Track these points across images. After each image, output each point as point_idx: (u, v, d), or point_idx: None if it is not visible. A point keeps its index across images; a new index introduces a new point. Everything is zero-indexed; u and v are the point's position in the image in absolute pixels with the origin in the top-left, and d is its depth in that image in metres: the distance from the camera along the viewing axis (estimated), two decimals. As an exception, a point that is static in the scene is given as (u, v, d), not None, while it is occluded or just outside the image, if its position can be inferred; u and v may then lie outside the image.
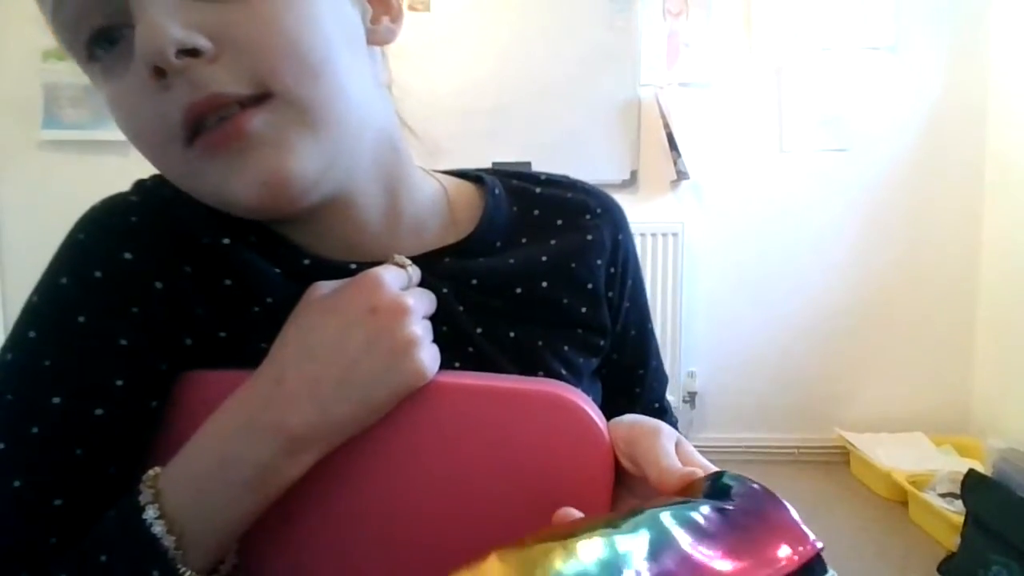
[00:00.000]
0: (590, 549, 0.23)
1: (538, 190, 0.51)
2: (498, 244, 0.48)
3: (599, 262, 0.50)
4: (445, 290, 0.43)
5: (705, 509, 0.26)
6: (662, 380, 0.60)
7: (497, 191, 0.50)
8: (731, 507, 0.26)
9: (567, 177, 0.54)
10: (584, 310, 0.48)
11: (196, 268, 0.40)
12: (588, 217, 0.51)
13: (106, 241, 0.39)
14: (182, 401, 0.38)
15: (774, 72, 2.39)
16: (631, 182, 2.44)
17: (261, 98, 0.34)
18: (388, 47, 0.45)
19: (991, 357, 2.35)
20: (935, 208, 2.39)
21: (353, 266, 0.42)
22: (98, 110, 2.35)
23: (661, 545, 0.23)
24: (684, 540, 0.24)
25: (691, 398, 2.47)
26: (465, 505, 0.35)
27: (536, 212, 0.50)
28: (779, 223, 2.44)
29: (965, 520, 1.60)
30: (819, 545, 0.25)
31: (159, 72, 0.33)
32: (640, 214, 2.44)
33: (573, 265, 0.48)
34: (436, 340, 0.40)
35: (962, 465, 1.88)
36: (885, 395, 2.45)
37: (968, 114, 2.35)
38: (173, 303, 0.39)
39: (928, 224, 2.40)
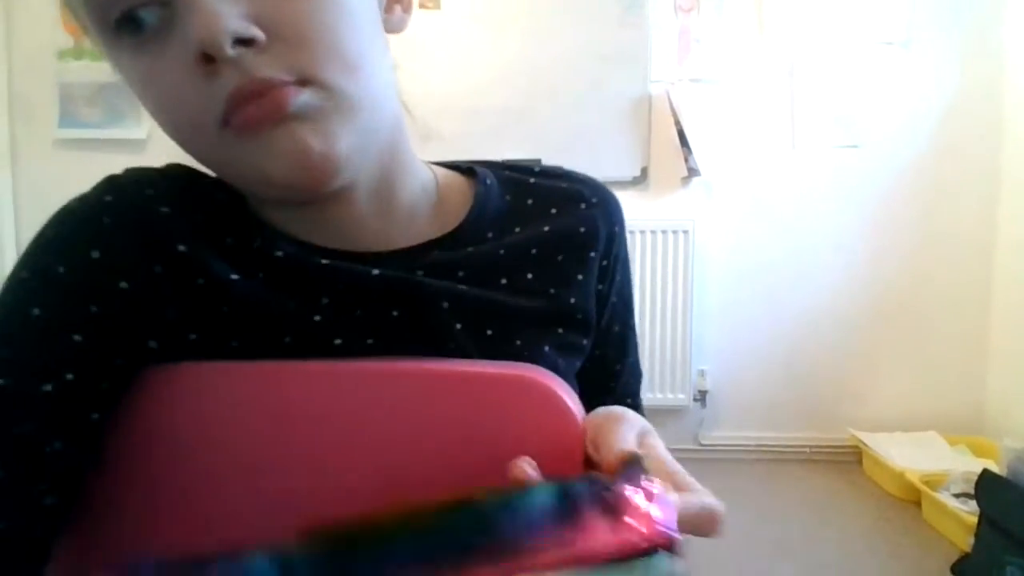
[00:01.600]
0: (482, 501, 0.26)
1: (532, 180, 0.51)
2: (490, 234, 0.47)
3: (592, 254, 0.49)
4: (428, 290, 0.43)
5: (582, 485, 0.27)
6: (637, 376, 0.59)
7: (489, 181, 0.50)
8: (608, 485, 0.27)
9: (562, 168, 0.54)
10: (573, 301, 0.48)
11: (167, 269, 0.40)
12: (583, 207, 0.50)
13: (74, 238, 0.39)
14: (153, 395, 0.38)
15: (786, 68, 2.37)
16: (641, 179, 2.43)
17: (302, 83, 0.35)
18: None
19: (1006, 356, 2.32)
20: (949, 205, 2.37)
21: (325, 261, 0.42)
22: (113, 109, 2.38)
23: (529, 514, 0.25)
24: (516, 521, 0.25)
25: (702, 397, 2.46)
26: (434, 491, 0.35)
27: (530, 201, 0.50)
28: (791, 221, 2.42)
29: (979, 520, 1.58)
30: (667, 537, 0.25)
31: (209, 59, 0.33)
32: (650, 211, 2.44)
33: (561, 256, 0.48)
34: (418, 336, 0.39)
35: (976, 465, 1.87)
36: (898, 394, 2.43)
37: (983, 110, 2.32)
38: (139, 304, 0.39)
39: (942, 222, 2.37)
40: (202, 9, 0.32)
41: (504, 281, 0.46)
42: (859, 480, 2.26)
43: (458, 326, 0.44)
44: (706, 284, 2.45)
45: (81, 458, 0.36)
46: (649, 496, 0.27)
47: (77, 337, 0.36)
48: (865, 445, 2.27)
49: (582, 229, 0.49)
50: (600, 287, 0.50)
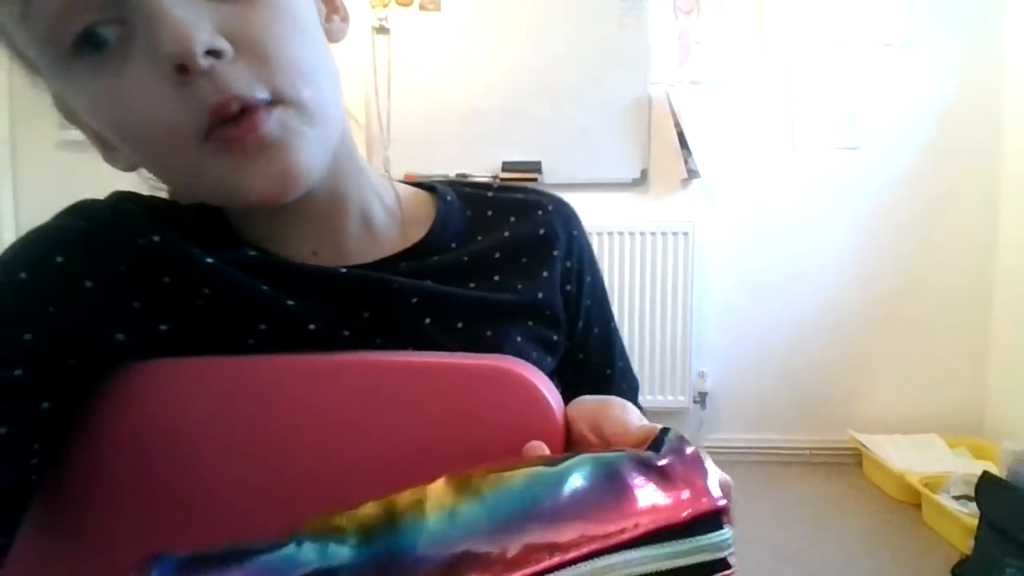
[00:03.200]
0: (522, 474, 0.27)
1: (490, 194, 0.54)
2: (453, 245, 0.49)
3: (555, 253, 0.51)
4: (396, 285, 0.44)
5: (628, 458, 0.28)
6: (632, 383, 0.60)
7: (449, 197, 0.52)
8: (653, 459, 0.28)
9: (520, 184, 0.57)
10: (541, 296, 0.49)
11: (131, 268, 0.41)
12: (540, 213, 0.52)
13: (38, 245, 0.40)
14: (126, 391, 0.38)
15: (786, 70, 2.38)
16: (641, 181, 2.44)
17: (274, 102, 0.37)
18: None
19: (1006, 358, 2.32)
20: (949, 207, 2.37)
21: (296, 262, 0.43)
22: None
23: (573, 490, 0.26)
24: (595, 483, 0.27)
25: (702, 399, 2.46)
26: (416, 481, 0.35)
27: (489, 212, 0.52)
28: (791, 222, 2.42)
29: (979, 523, 1.59)
30: (720, 504, 0.26)
31: (183, 70, 0.34)
32: (650, 213, 2.44)
33: (525, 258, 0.50)
34: (388, 334, 0.40)
35: (976, 467, 1.87)
36: (898, 396, 2.43)
37: (983, 111, 2.32)
38: (105, 299, 0.40)
39: (942, 223, 2.38)
40: (170, 23, 0.33)
41: (472, 284, 0.48)
42: (859, 482, 2.26)
43: (427, 320, 0.45)
44: (706, 286, 2.45)
45: (31, 444, 0.36)
46: (696, 464, 0.27)
47: (27, 336, 0.37)
48: (865, 447, 2.27)
49: (542, 231, 0.51)
50: (568, 288, 0.52)
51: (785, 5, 2.34)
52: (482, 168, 2.43)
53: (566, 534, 0.25)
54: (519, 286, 0.49)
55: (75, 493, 0.37)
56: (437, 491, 0.27)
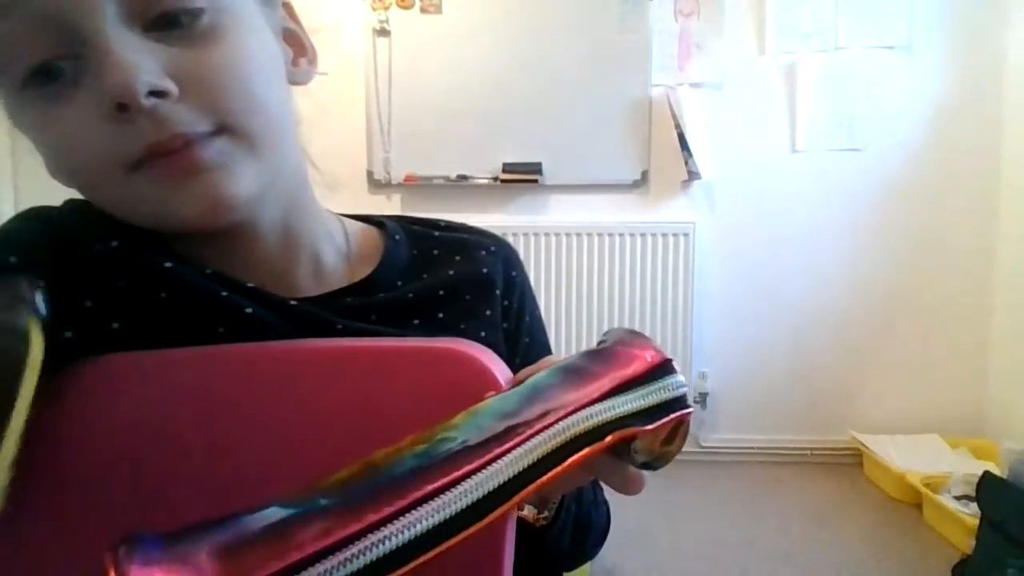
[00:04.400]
0: (489, 401, 0.30)
1: (437, 233, 0.55)
2: (399, 283, 0.50)
3: (497, 292, 0.52)
4: (340, 327, 0.44)
5: (578, 355, 0.32)
6: None
7: (398, 236, 0.53)
8: (599, 346, 0.32)
9: (464, 223, 0.58)
10: (484, 334, 0.50)
11: (87, 270, 0.40)
12: (484, 253, 0.54)
13: None
14: (86, 387, 0.37)
15: (786, 72, 2.38)
16: (642, 182, 2.44)
17: (215, 132, 0.37)
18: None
19: (1007, 358, 2.32)
20: (950, 208, 2.37)
21: (250, 284, 0.43)
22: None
23: (535, 389, 0.30)
24: (554, 379, 0.30)
25: (702, 399, 2.47)
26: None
27: (436, 252, 0.53)
28: (791, 224, 2.43)
29: (980, 523, 1.59)
30: (667, 356, 0.31)
31: (123, 108, 0.34)
32: (651, 215, 2.45)
33: (468, 297, 0.51)
34: None
35: (977, 467, 1.87)
36: (899, 396, 2.43)
37: (983, 113, 2.33)
38: (56, 298, 0.39)
39: (942, 224, 2.38)
40: (117, 62, 0.34)
41: (416, 322, 0.48)
42: (860, 482, 2.27)
43: None
44: (706, 287, 2.46)
45: None
46: (639, 337, 0.32)
47: None
48: (866, 447, 2.27)
49: (484, 270, 0.52)
50: (506, 325, 0.53)
51: (786, 7, 2.35)
52: (483, 169, 2.44)
53: (537, 411, 0.28)
54: (462, 325, 0.49)
55: (20, 497, 0.37)
56: (409, 440, 0.28)
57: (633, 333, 0.33)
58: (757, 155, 2.42)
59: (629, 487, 0.32)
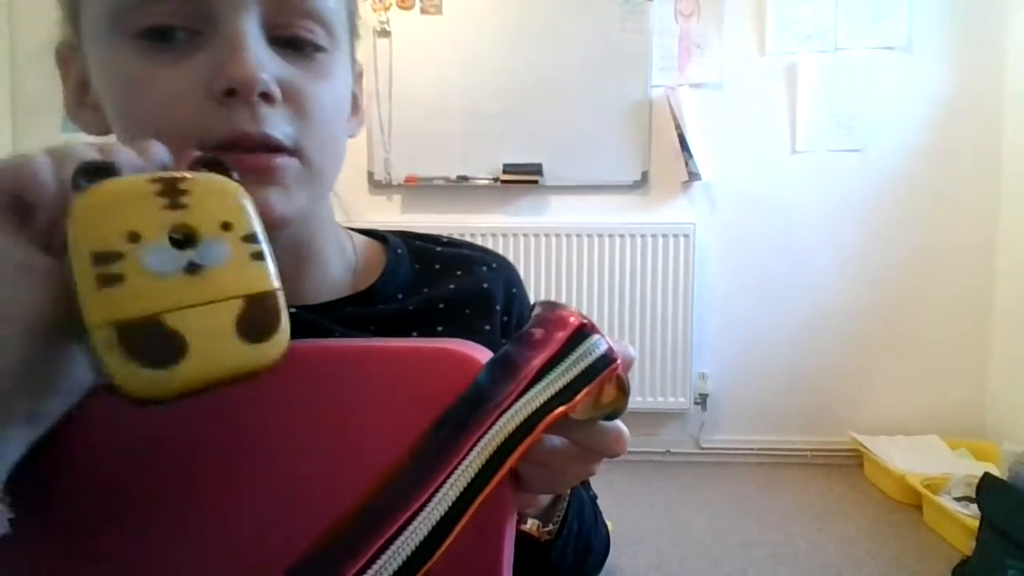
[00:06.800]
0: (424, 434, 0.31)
1: (439, 249, 0.56)
2: (400, 296, 0.51)
3: (497, 307, 0.53)
4: (338, 335, 0.45)
5: (506, 346, 0.32)
6: None
7: (400, 251, 0.54)
8: (524, 334, 0.33)
9: (467, 241, 0.59)
10: None
11: None
12: (484, 269, 0.55)
13: None
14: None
15: (786, 72, 2.38)
16: (642, 183, 2.44)
17: (292, 152, 0.40)
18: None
19: (1007, 359, 2.32)
20: (950, 209, 2.37)
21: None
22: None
23: (478, 389, 0.31)
24: (488, 377, 0.31)
25: (702, 400, 2.47)
26: (358, 463, 0.35)
27: (437, 266, 0.54)
28: (792, 224, 2.43)
29: (980, 524, 1.59)
30: (584, 320, 0.31)
31: (232, 93, 0.36)
32: (651, 216, 2.45)
33: (468, 311, 0.51)
34: None
35: (977, 469, 1.87)
36: (899, 398, 2.43)
37: (983, 114, 2.33)
38: None
39: (943, 225, 2.38)
40: (247, 56, 0.36)
41: (415, 334, 0.49)
42: (860, 484, 2.26)
43: None
44: (706, 288, 2.46)
45: None
46: (554, 310, 0.33)
47: None
48: (866, 448, 2.27)
49: (485, 285, 0.53)
50: (504, 342, 0.53)
51: (785, 8, 2.35)
52: (483, 170, 2.44)
53: (479, 414, 0.29)
54: (461, 338, 0.50)
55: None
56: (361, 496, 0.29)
57: (549, 306, 0.33)
58: (757, 156, 2.42)
59: (612, 447, 0.32)
